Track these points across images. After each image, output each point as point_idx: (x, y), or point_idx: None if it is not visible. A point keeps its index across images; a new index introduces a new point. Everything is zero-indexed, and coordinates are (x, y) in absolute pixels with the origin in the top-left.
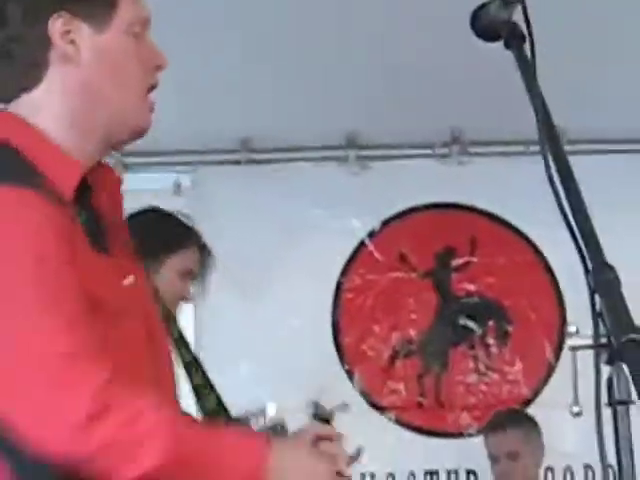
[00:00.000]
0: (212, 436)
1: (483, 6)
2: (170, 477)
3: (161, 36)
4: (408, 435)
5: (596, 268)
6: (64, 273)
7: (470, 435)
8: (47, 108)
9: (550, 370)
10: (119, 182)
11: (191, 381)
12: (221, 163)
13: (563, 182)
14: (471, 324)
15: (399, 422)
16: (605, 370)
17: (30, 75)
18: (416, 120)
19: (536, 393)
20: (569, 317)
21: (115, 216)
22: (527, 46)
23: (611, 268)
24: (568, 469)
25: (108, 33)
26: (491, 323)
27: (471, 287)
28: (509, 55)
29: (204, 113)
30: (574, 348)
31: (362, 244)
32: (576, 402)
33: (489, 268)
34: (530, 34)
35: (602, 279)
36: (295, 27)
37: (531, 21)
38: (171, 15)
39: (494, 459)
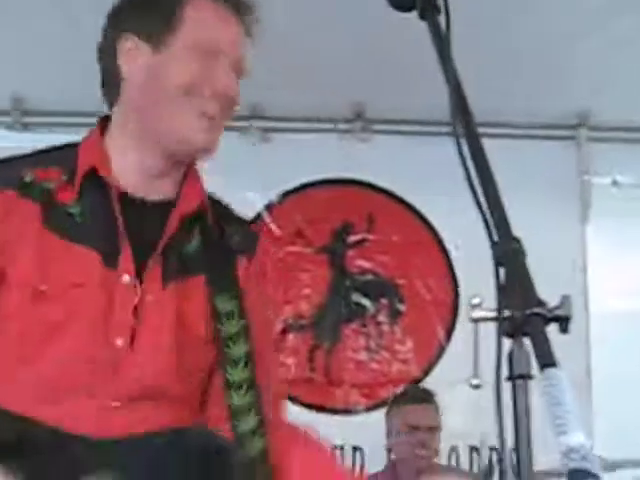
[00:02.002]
0: None
1: None
2: None
3: None
4: (296, 410)
5: (501, 240)
6: None
7: (357, 412)
8: (117, 121)
9: (441, 350)
10: (198, 197)
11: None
12: None
13: (473, 157)
14: (364, 301)
15: (288, 397)
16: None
17: (113, 91)
18: (320, 95)
19: (426, 372)
20: (462, 297)
21: (170, 229)
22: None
23: (517, 240)
24: (453, 450)
25: (166, 53)
26: (384, 301)
27: (366, 264)
28: (418, 32)
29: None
30: (476, 320)
31: (259, 216)
32: (475, 375)
33: (384, 246)
34: (446, 5)
35: (507, 250)
36: None
37: None
38: None
39: (413, 428)
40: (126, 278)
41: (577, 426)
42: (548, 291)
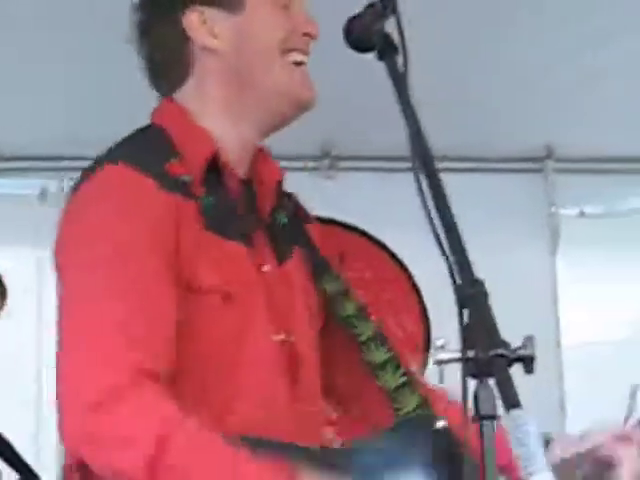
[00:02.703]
0: (227, 463)
1: (357, 16)
2: None
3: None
4: None
5: (464, 282)
6: (142, 262)
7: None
8: (198, 98)
9: None
10: (275, 176)
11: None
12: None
13: (434, 197)
14: None
15: None
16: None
17: (178, 74)
18: (288, 133)
19: None
20: (434, 333)
21: (266, 209)
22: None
23: (479, 282)
24: None
25: (245, 12)
26: None
27: None
28: (382, 68)
29: (74, 118)
30: (440, 362)
31: None
32: (442, 417)
33: (357, 283)
34: (403, 45)
35: (470, 293)
36: None
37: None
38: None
39: None
40: (266, 267)
41: (544, 466)
42: (520, 323)
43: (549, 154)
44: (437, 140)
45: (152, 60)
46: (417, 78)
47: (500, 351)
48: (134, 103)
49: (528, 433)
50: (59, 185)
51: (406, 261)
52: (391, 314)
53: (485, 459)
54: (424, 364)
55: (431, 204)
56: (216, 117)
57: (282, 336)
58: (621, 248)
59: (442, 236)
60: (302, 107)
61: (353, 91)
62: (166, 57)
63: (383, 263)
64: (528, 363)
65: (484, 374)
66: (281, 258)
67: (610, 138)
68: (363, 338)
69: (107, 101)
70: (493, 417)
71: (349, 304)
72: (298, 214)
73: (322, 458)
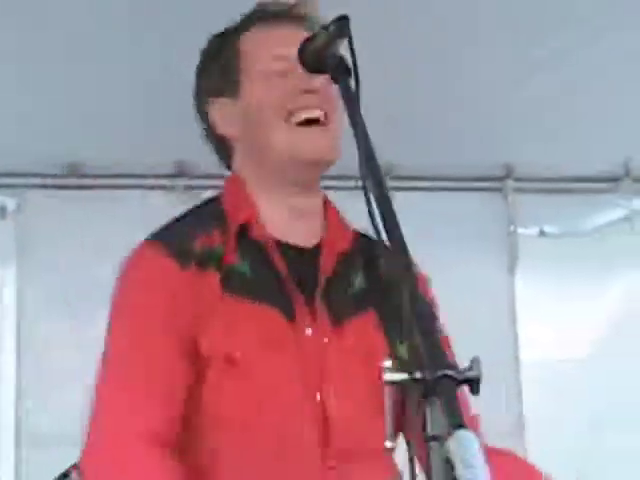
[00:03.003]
0: None
1: (310, 38)
2: None
3: None
4: None
5: (412, 302)
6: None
7: None
8: (243, 175)
9: None
10: (339, 239)
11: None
12: (47, 187)
13: (383, 216)
14: None
15: None
16: None
17: (225, 154)
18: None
19: None
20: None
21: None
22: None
23: (428, 303)
24: None
25: (242, 94)
26: None
27: None
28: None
29: (31, 136)
30: (388, 383)
31: None
32: (391, 437)
33: None
34: (355, 68)
35: (418, 313)
36: (119, 45)
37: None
38: None
39: None
40: (309, 330)
41: None
42: (479, 339)
43: (508, 173)
44: (397, 159)
45: (210, 140)
46: (376, 99)
47: (447, 372)
48: (94, 121)
49: (474, 454)
50: (17, 202)
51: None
52: None
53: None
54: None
55: (380, 224)
56: (258, 191)
57: (316, 397)
58: (581, 268)
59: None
60: (314, 164)
61: None
62: (211, 143)
63: None
64: (475, 384)
65: (432, 395)
66: (335, 323)
67: (570, 158)
68: None
69: (64, 118)
70: (440, 437)
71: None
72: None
73: None
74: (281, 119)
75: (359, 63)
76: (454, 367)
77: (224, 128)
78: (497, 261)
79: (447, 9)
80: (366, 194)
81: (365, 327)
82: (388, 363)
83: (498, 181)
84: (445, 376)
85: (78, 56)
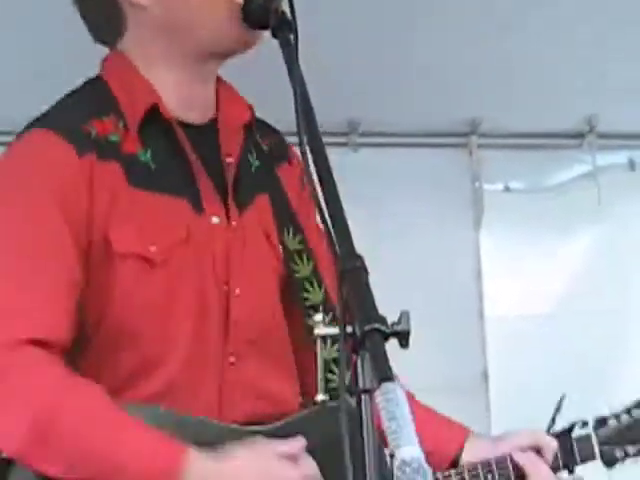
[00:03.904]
0: (112, 428)
1: None
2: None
3: None
4: None
5: (344, 257)
6: (40, 229)
7: None
8: (137, 51)
9: None
10: (242, 117)
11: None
12: None
13: (319, 172)
14: None
15: None
16: None
17: (114, 30)
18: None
19: None
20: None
21: (231, 153)
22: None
23: (359, 258)
24: None
25: None
26: None
27: None
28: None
29: None
30: (321, 337)
31: None
32: (322, 391)
33: None
34: (294, 22)
35: (349, 268)
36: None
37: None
38: None
39: None
40: (215, 219)
41: (411, 439)
42: (444, 295)
43: (473, 130)
44: (362, 116)
45: (88, 20)
46: (342, 57)
47: (376, 326)
48: (63, 76)
49: (397, 406)
50: None
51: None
52: None
53: (364, 432)
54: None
55: (317, 180)
56: (157, 67)
57: (223, 288)
58: (545, 224)
59: (324, 209)
60: (235, 44)
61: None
62: (99, 15)
63: None
64: (403, 338)
65: (362, 348)
66: (241, 207)
67: (534, 114)
68: (310, 304)
69: (35, 74)
70: (370, 390)
71: (305, 266)
72: (274, 154)
73: (231, 437)
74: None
75: (325, 22)
76: (383, 321)
77: None
78: (462, 217)
79: None
80: (303, 151)
81: (264, 210)
82: (319, 317)
83: (463, 137)
84: (374, 329)
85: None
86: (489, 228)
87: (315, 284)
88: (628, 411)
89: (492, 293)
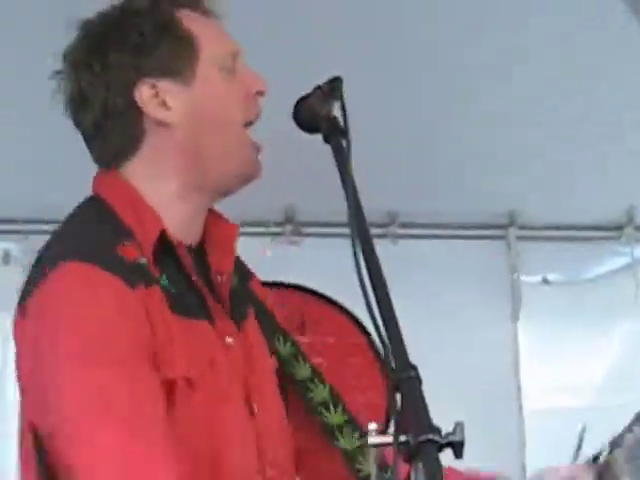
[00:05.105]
0: None
1: (304, 98)
2: None
3: None
4: None
5: (398, 366)
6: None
7: None
8: (146, 174)
9: None
10: (233, 236)
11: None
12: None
13: (370, 273)
14: None
15: None
16: None
17: (126, 147)
18: (251, 198)
19: None
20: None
21: (224, 271)
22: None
23: (413, 367)
24: None
25: (196, 83)
26: None
27: None
28: None
29: (35, 182)
30: (374, 446)
31: None
32: None
33: (318, 348)
34: (347, 130)
35: (403, 377)
36: None
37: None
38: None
39: None
40: (229, 340)
41: None
42: (481, 389)
43: (512, 221)
44: (402, 207)
45: (99, 127)
46: (382, 149)
47: (430, 436)
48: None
49: None
50: (21, 248)
51: (368, 326)
52: (353, 379)
53: None
54: (385, 429)
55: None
56: (166, 192)
57: (252, 408)
58: (583, 315)
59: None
60: (247, 181)
61: (314, 158)
62: (116, 127)
63: (345, 328)
64: (457, 448)
65: (415, 458)
66: (238, 322)
67: (573, 206)
68: (318, 401)
69: (73, 163)
70: None
71: (303, 368)
72: (243, 271)
73: None
74: (242, 124)
75: (363, 118)
76: (437, 431)
77: (158, 112)
78: (500, 309)
79: (452, 69)
80: (355, 249)
81: (254, 328)
82: (372, 426)
83: (501, 229)
84: (428, 440)
85: None
86: (527, 320)
87: (317, 382)
88: None
89: (530, 385)
